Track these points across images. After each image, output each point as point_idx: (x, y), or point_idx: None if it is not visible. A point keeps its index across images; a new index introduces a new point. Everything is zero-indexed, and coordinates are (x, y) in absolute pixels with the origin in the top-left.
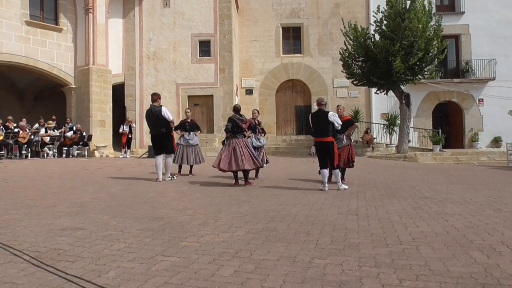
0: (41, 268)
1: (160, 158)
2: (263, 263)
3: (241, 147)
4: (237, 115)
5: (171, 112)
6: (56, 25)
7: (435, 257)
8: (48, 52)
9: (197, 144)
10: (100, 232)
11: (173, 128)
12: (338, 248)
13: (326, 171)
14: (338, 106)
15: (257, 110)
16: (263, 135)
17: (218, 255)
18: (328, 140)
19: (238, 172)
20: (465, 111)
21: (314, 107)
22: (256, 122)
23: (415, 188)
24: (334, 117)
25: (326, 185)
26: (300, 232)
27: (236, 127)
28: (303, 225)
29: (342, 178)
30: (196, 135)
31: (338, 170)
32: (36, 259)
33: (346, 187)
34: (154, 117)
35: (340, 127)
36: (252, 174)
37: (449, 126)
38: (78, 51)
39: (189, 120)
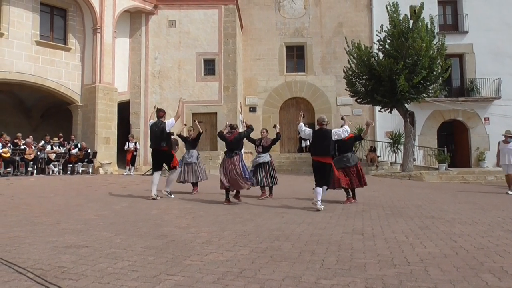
0: (44, 286)
1: (157, 175)
2: (268, 283)
3: (228, 166)
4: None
5: (175, 127)
6: (65, 44)
7: (444, 279)
8: (56, 70)
9: (195, 162)
10: (104, 250)
11: (172, 135)
12: (344, 269)
13: (320, 189)
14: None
15: (265, 130)
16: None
17: (222, 275)
18: (326, 161)
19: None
20: (470, 129)
21: (317, 127)
22: (263, 140)
23: (421, 207)
24: (336, 131)
25: (319, 202)
26: (305, 251)
27: (224, 140)
28: (308, 244)
29: (354, 198)
30: (194, 152)
31: (325, 188)
32: (40, 277)
33: (323, 208)
34: (159, 131)
35: (347, 133)
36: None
37: (454, 144)
38: (85, 69)
39: (189, 138)
